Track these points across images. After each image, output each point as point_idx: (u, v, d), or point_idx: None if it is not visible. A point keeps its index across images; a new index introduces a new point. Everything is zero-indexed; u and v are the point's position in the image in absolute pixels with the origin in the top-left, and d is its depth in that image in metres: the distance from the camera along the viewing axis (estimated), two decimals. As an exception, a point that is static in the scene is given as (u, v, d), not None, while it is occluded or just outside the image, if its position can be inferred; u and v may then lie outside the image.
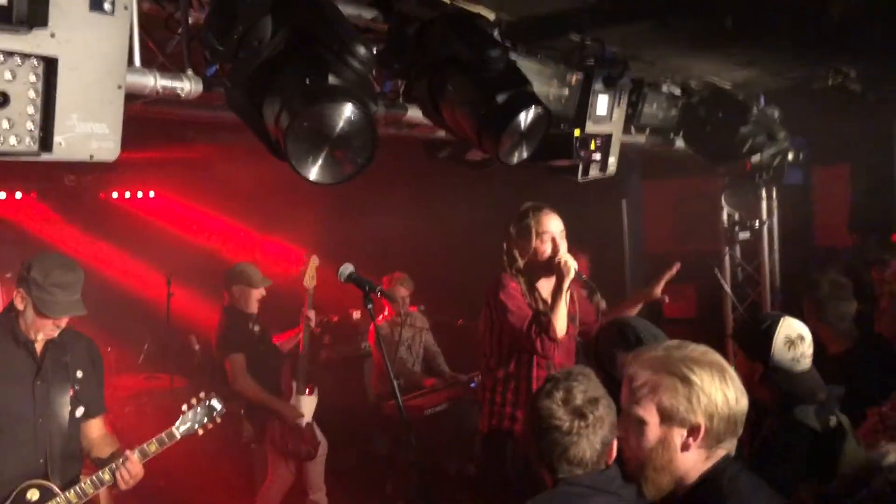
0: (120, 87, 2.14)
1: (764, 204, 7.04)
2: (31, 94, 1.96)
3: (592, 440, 2.20)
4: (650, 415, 2.20)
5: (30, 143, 1.96)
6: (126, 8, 2.11)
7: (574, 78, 3.92)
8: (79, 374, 3.51)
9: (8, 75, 1.92)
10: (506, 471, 3.87)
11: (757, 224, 6.98)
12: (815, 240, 7.96)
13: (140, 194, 8.33)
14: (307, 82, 2.28)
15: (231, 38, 2.40)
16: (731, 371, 2.22)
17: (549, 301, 3.90)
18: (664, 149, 5.60)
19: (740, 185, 6.62)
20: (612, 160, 4.44)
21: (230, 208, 8.75)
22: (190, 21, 2.59)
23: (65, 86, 2.01)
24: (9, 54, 1.90)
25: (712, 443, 2.19)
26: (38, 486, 3.31)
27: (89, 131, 2.07)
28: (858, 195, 6.74)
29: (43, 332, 3.32)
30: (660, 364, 2.24)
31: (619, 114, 4.38)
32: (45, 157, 2.00)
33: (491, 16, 3.88)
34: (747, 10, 4.16)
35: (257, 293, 5.57)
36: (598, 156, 4.12)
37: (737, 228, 7.01)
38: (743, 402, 2.22)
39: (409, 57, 3.09)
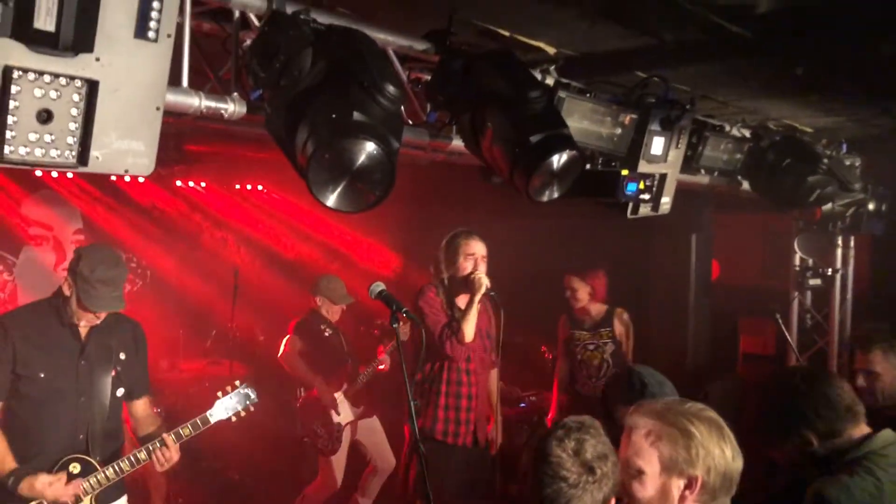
0: (158, 108, 2.30)
1: (839, 252, 6.83)
2: (74, 112, 2.14)
3: (595, 496, 2.20)
4: (650, 464, 2.24)
5: (69, 156, 2.14)
6: (169, 35, 2.27)
7: (628, 118, 3.92)
8: (122, 355, 3.73)
9: (53, 94, 2.10)
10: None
11: (829, 272, 6.77)
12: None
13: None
14: (333, 116, 2.40)
15: (273, 66, 2.55)
16: (728, 430, 2.25)
17: (462, 309, 4.46)
18: (730, 190, 5.50)
19: (814, 231, 6.43)
20: (666, 199, 4.41)
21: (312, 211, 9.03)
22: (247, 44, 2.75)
23: (105, 106, 2.18)
24: (55, 76, 2.08)
25: (707, 498, 2.22)
26: (80, 461, 3.54)
27: (126, 148, 2.24)
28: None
29: (85, 319, 3.55)
30: (661, 416, 2.28)
31: (676, 155, 4.35)
32: (81, 169, 2.18)
33: (551, 50, 3.94)
34: (820, 62, 4.07)
35: (337, 308, 6.06)
36: (647, 195, 4.10)
37: (808, 274, 6.81)
38: (739, 461, 2.25)
39: (454, 91, 3.18)
